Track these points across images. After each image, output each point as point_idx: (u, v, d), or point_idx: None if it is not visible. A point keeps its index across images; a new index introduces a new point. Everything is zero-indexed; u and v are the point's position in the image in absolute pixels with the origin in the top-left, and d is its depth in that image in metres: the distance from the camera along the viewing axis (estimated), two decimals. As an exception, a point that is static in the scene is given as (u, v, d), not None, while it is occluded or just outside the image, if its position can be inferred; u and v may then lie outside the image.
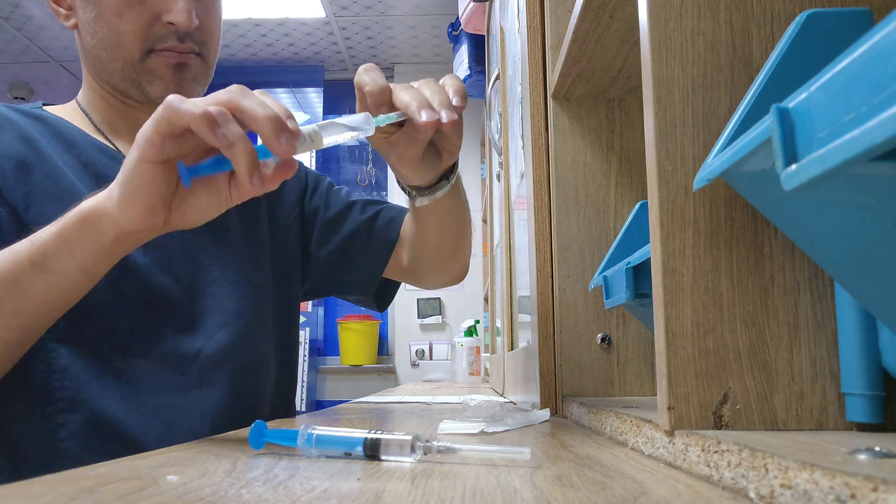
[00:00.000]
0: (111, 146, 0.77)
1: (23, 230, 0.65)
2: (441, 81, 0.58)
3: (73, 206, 0.68)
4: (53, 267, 0.54)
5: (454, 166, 0.69)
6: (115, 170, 0.74)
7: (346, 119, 0.50)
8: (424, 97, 0.54)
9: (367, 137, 0.54)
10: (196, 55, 0.75)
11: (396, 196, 3.68)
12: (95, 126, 0.78)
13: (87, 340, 0.67)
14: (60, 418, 0.65)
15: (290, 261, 0.88)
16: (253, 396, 0.78)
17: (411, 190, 0.69)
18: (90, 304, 0.62)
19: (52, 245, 0.54)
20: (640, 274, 0.52)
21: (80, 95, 0.81)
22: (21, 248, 0.54)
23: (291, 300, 0.88)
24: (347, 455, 0.39)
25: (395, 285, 0.95)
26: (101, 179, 0.72)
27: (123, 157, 0.76)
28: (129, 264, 0.69)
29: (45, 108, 0.79)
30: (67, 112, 0.79)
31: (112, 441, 0.65)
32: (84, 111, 0.79)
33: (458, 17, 2.44)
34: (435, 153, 0.62)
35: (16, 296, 0.54)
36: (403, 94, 0.54)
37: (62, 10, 0.76)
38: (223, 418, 0.72)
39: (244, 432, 0.56)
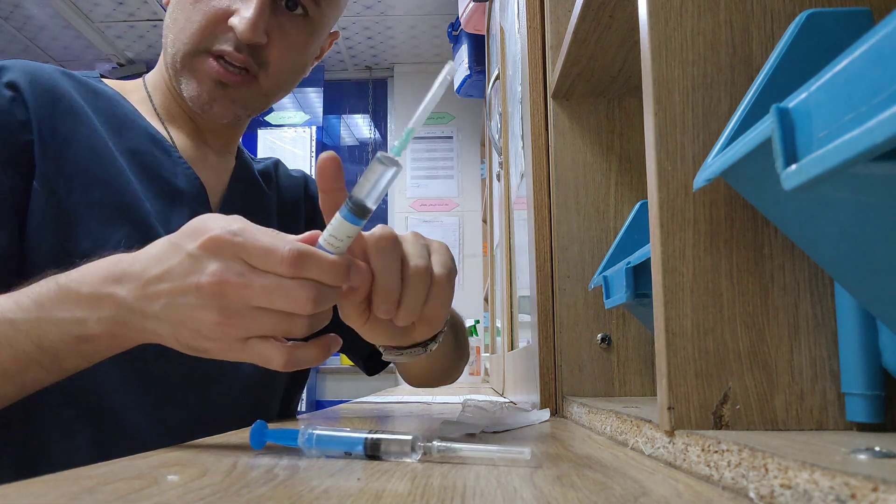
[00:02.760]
0: (166, 136, 0.73)
1: (61, 215, 0.62)
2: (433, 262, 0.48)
3: (110, 197, 0.64)
4: (67, 369, 0.50)
5: (437, 334, 0.57)
6: (165, 166, 0.70)
7: None
8: (390, 284, 0.45)
9: None
10: (251, 77, 0.69)
11: (398, 199, 3.69)
12: (154, 109, 0.75)
13: None
14: (78, 424, 0.62)
15: None
16: (266, 414, 0.78)
17: (379, 345, 0.58)
18: None
19: (70, 355, 0.48)
20: (640, 274, 0.52)
21: (149, 75, 0.77)
22: (26, 348, 0.48)
23: None
24: (348, 455, 0.39)
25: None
26: (147, 171, 0.69)
27: (176, 151, 0.73)
28: None
29: (104, 80, 0.75)
30: (128, 89, 0.75)
31: (129, 452, 0.63)
32: (147, 91, 0.76)
33: (458, 17, 2.44)
34: None
35: (20, 385, 0.50)
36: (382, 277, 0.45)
37: None
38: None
39: (244, 432, 0.56)
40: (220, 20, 0.67)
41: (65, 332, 0.47)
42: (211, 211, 0.74)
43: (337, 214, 0.41)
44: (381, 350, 0.59)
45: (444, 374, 0.86)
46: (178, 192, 0.71)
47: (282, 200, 0.85)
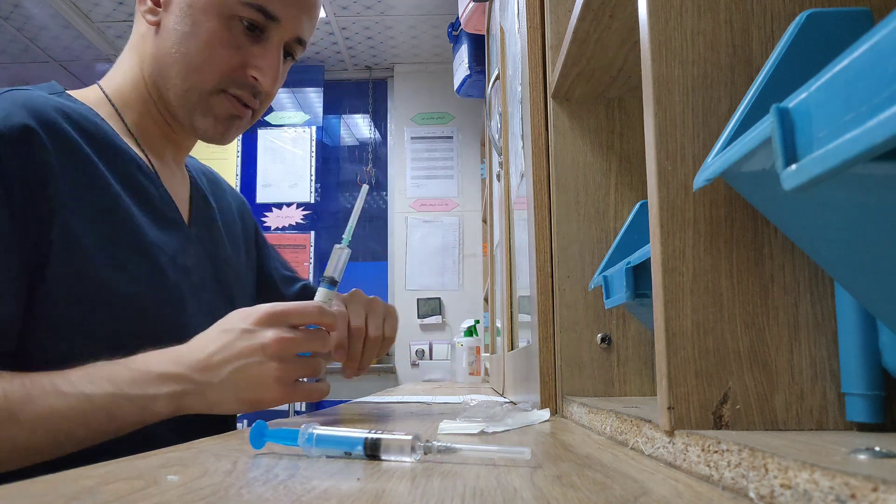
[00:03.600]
0: (145, 160, 0.75)
1: (78, 247, 0.63)
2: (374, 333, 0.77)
3: (127, 238, 0.69)
4: (128, 428, 0.59)
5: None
6: (150, 191, 0.74)
7: None
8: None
9: None
10: (252, 111, 0.79)
11: (398, 199, 3.69)
12: (127, 127, 0.76)
13: (140, 347, 0.63)
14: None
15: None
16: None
17: None
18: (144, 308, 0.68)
19: (133, 425, 0.59)
20: (640, 274, 0.52)
21: (111, 84, 0.77)
22: (100, 419, 0.57)
23: None
24: (348, 455, 0.39)
25: None
26: (139, 199, 0.72)
27: (156, 174, 0.76)
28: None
29: (67, 92, 0.74)
30: (91, 100, 0.74)
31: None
32: (114, 106, 0.76)
33: (458, 17, 2.44)
34: None
35: (81, 440, 0.58)
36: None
37: (149, 4, 0.73)
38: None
39: (244, 432, 0.56)
40: (238, 68, 0.74)
41: (137, 407, 0.58)
42: (186, 227, 0.79)
43: (320, 288, 0.68)
44: None
45: None
46: (163, 216, 0.75)
47: (217, 203, 0.92)
